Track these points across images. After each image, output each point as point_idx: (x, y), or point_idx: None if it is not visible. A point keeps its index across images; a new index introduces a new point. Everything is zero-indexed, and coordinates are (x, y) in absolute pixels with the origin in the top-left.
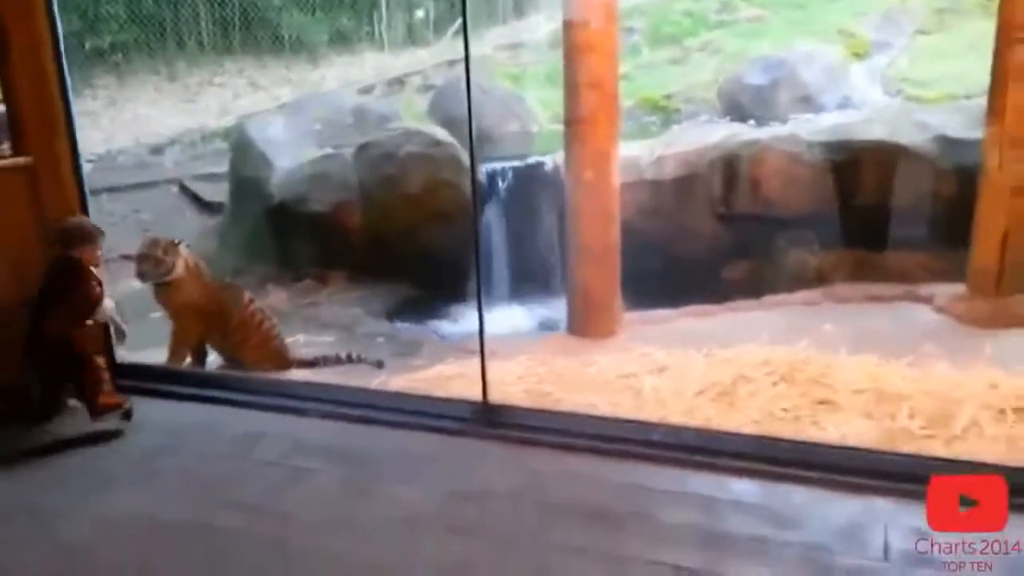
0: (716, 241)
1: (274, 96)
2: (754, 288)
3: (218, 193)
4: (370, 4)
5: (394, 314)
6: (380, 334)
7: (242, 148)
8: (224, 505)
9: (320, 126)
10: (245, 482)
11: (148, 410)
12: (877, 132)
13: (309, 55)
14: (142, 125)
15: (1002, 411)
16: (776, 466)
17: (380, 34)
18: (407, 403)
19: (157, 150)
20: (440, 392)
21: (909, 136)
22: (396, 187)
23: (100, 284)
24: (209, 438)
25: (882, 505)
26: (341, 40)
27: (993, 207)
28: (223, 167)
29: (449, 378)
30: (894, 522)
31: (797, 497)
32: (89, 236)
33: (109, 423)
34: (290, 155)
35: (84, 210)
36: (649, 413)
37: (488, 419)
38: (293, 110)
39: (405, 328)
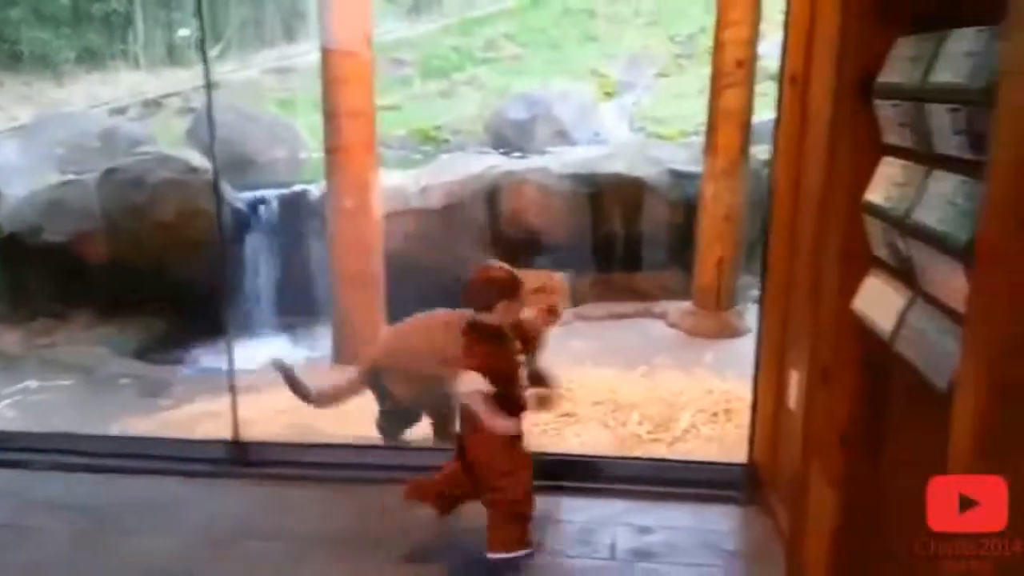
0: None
1: (11, 116)
2: None
3: None
4: (124, 20)
5: (144, 352)
6: (126, 375)
7: None
8: None
9: (62, 149)
10: None
11: None
12: (618, 166)
13: (54, 72)
14: None
15: (715, 414)
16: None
17: (136, 53)
18: (151, 447)
19: None
20: (191, 433)
21: (645, 169)
22: (146, 216)
23: None
24: None
25: (612, 507)
26: (91, 57)
27: (710, 233)
28: None
29: (200, 417)
30: (622, 522)
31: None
32: None
33: None
34: (24, 182)
35: None
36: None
37: (241, 458)
38: (31, 132)
39: (155, 367)
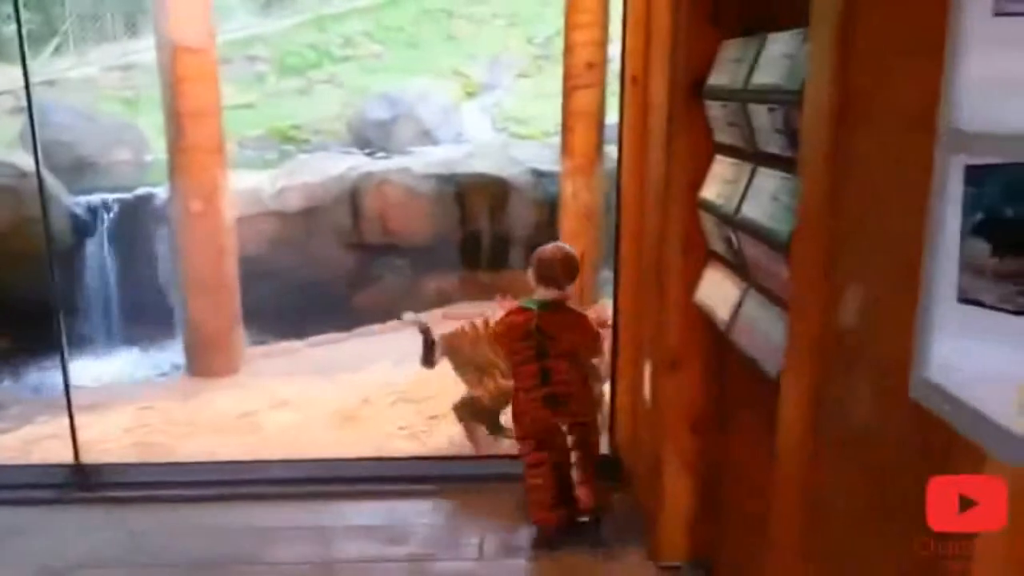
0: (345, 270)
1: None
2: (382, 313)
3: None
4: None
5: None
6: None
7: None
8: None
9: None
10: None
11: None
12: (481, 165)
13: None
14: None
15: None
16: (390, 484)
17: None
18: None
19: None
20: (28, 458)
21: (508, 169)
22: None
23: None
24: None
25: (478, 508)
26: None
27: (570, 230)
28: None
29: (39, 440)
30: (489, 524)
31: (406, 512)
32: None
33: None
34: None
35: None
36: (272, 449)
37: (83, 482)
38: None
39: None
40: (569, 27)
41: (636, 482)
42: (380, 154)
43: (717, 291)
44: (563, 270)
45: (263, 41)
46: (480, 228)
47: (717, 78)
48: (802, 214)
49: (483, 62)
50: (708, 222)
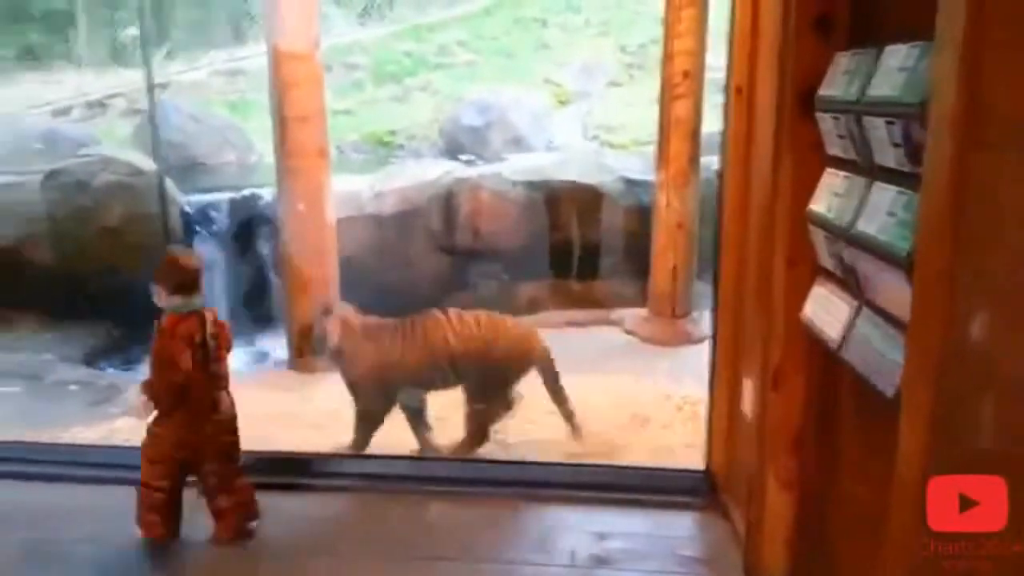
0: (437, 273)
1: None
2: None
3: None
4: (66, 20)
5: (92, 358)
6: (74, 381)
7: None
8: None
9: (2, 150)
10: None
11: None
12: (573, 173)
13: None
14: None
15: (670, 420)
16: (469, 487)
17: (79, 52)
18: (102, 456)
19: None
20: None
21: (599, 177)
22: (91, 219)
23: None
24: None
25: (568, 513)
26: (32, 56)
27: (664, 241)
28: None
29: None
30: (580, 529)
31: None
32: None
33: None
34: None
35: None
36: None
37: None
38: None
39: (106, 373)
40: (668, 36)
41: (731, 502)
42: (472, 160)
43: (826, 308)
44: None
45: (361, 49)
46: (571, 236)
47: (829, 90)
48: (924, 230)
49: (575, 70)
50: (818, 237)
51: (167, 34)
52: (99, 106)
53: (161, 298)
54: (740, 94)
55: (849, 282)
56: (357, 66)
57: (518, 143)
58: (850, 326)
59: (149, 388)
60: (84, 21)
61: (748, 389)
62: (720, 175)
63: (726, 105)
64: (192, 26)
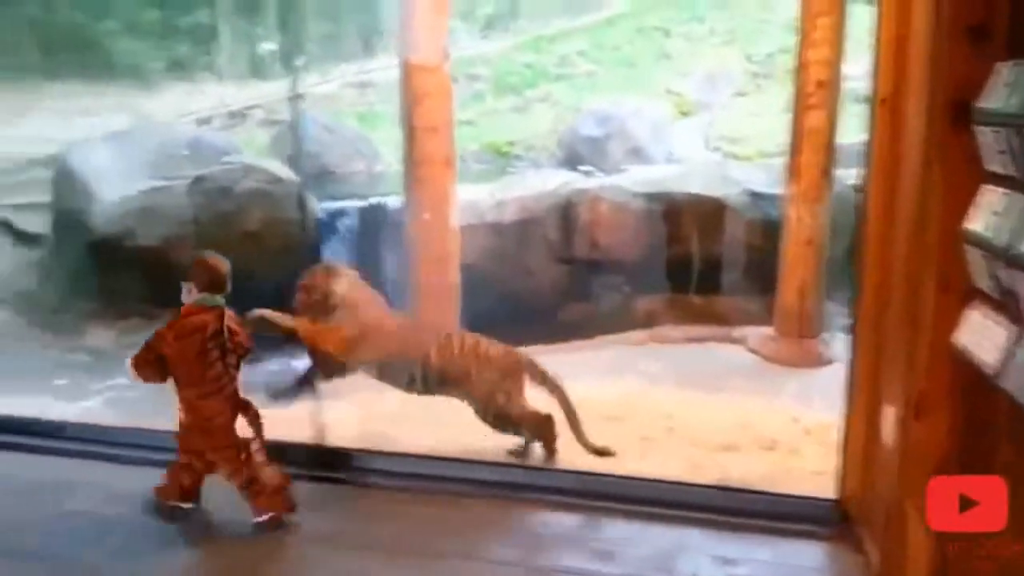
0: (553, 283)
1: (106, 123)
2: (588, 329)
3: (44, 225)
4: (210, 33)
5: None
6: None
7: (64, 178)
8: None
9: (153, 157)
10: (54, 533)
11: None
12: (694, 185)
13: (144, 82)
14: None
15: (797, 446)
16: (595, 500)
17: (221, 64)
18: None
19: None
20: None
21: (723, 190)
22: (233, 223)
23: None
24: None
25: (692, 535)
26: (179, 68)
27: (792, 257)
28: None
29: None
30: (703, 551)
31: (613, 530)
32: None
33: None
34: (118, 186)
35: None
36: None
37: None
38: (124, 139)
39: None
40: (803, 45)
41: (866, 534)
42: (591, 171)
43: (981, 332)
44: None
45: (483, 61)
46: (691, 249)
47: (988, 102)
48: None
49: (698, 80)
50: (973, 256)
51: (301, 48)
52: (239, 116)
53: (191, 294)
54: (885, 105)
55: (1008, 305)
56: (479, 77)
57: (637, 154)
58: (1010, 353)
59: (134, 359)
60: (227, 35)
61: (888, 416)
62: (861, 189)
63: (871, 116)
64: (324, 40)
